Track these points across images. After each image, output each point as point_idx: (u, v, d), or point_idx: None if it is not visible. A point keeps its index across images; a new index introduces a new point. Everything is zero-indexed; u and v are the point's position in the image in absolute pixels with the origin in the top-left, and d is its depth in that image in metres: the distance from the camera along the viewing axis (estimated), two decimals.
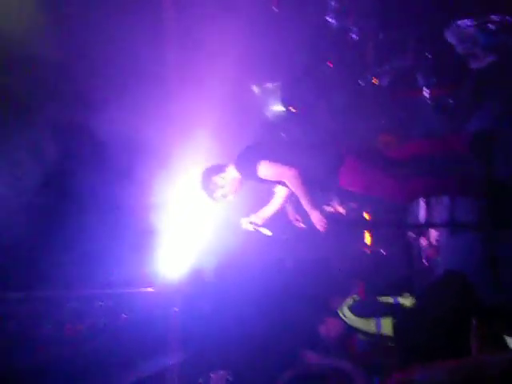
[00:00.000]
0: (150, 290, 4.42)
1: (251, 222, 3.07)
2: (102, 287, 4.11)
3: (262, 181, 2.92)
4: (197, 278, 4.53)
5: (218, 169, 3.05)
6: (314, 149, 3.02)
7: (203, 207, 4.33)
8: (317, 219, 2.86)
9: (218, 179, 3.02)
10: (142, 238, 4.19)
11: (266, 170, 2.84)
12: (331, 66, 4.24)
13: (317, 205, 2.94)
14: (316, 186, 2.99)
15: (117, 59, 3.78)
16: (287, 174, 2.80)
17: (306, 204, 2.86)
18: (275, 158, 2.86)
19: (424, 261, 4.32)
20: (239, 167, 2.96)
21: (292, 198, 3.24)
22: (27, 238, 3.35)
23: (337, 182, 2.90)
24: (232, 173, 3.00)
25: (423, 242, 4.23)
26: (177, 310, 4.20)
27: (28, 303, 3.39)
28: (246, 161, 2.93)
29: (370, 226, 5.10)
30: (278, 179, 2.88)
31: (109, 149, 4.07)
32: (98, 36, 3.57)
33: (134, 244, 4.13)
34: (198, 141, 4.23)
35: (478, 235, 2.64)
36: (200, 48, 4.34)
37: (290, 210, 3.54)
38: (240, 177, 2.99)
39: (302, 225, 3.22)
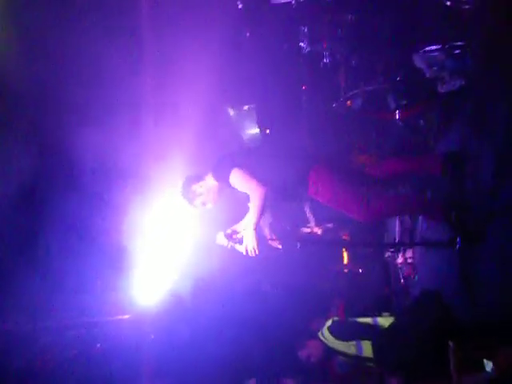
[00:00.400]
0: (125, 317, 4.34)
1: (226, 236, 3.05)
2: (74, 316, 4.02)
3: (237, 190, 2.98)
4: (174, 303, 4.48)
5: (197, 178, 3.16)
6: (286, 157, 3.11)
7: (178, 230, 4.31)
8: (248, 240, 2.87)
9: (197, 187, 3.13)
10: (115, 263, 4.14)
11: (236, 179, 2.91)
12: (304, 88, 4.35)
13: (259, 228, 2.99)
14: (286, 193, 3.05)
15: (92, 83, 3.79)
16: (254, 191, 2.85)
17: (250, 222, 2.88)
18: (248, 166, 2.94)
19: (401, 279, 4.39)
20: (215, 175, 3.05)
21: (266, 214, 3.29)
22: None
23: (306, 190, 2.96)
24: (210, 181, 3.10)
25: (399, 260, 4.31)
26: (153, 337, 4.13)
27: None
28: (221, 169, 3.01)
29: (347, 246, 5.17)
30: (245, 191, 2.93)
31: (83, 171, 4.04)
32: (73, 59, 3.58)
33: (107, 270, 4.07)
34: (173, 164, 4.24)
35: (451, 253, 2.71)
36: (174, 71, 4.38)
37: (265, 229, 3.64)
38: (218, 185, 3.09)
39: (278, 245, 3.25)
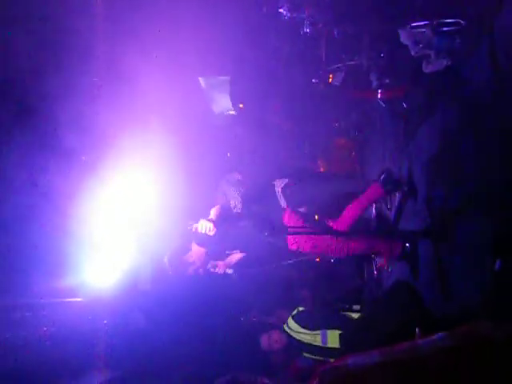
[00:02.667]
0: (76, 300, 4.25)
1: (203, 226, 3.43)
2: (20, 297, 3.91)
3: None
4: (130, 286, 4.41)
5: (184, 250, 3.76)
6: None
7: (137, 210, 4.23)
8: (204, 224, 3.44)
9: (188, 258, 3.74)
10: (67, 242, 4.03)
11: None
12: (283, 60, 4.28)
13: None
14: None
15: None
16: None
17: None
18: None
19: (375, 271, 4.43)
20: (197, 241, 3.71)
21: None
22: None
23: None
24: (195, 247, 3.72)
25: None
26: (106, 322, 4.05)
27: None
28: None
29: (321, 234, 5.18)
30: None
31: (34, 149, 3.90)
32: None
33: (58, 249, 3.96)
34: (136, 137, 4.13)
35: (425, 245, 2.74)
36: (143, 38, 4.25)
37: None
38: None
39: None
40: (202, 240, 3.65)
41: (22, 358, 3.60)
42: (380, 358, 0.90)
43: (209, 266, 3.87)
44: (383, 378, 0.87)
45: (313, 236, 3.52)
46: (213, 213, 3.61)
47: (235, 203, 4.30)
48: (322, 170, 5.42)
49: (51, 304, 4.09)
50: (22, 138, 3.76)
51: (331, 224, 3.65)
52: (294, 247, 3.55)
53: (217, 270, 3.89)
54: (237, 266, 3.95)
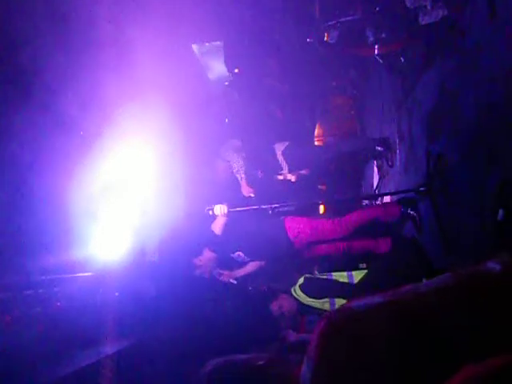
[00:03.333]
0: (87, 274, 4.31)
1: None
2: (32, 274, 3.98)
3: None
4: (139, 258, 4.46)
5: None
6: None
7: (143, 182, 4.24)
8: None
9: (196, 261, 4.04)
10: (75, 216, 4.06)
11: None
12: (276, 19, 4.18)
13: None
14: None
15: None
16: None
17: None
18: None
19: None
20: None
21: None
22: None
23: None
24: (208, 254, 4.02)
25: None
26: (117, 294, 4.13)
27: None
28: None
29: (325, 197, 5.20)
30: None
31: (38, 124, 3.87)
32: None
33: (67, 224, 4.00)
34: (133, 110, 4.09)
35: (427, 200, 2.75)
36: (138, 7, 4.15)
37: (243, 183, 4.41)
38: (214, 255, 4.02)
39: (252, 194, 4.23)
40: (216, 226, 3.96)
41: (36, 333, 3.68)
42: (383, 298, 0.95)
43: (215, 272, 4.12)
44: (385, 316, 0.92)
45: (311, 220, 3.73)
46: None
47: (237, 168, 4.35)
48: (321, 130, 5.39)
49: (63, 280, 4.15)
50: (21, 115, 3.73)
51: (335, 223, 3.75)
52: (294, 233, 3.73)
53: (221, 277, 4.12)
54: (240, 279, 4.19)
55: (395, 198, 4.04)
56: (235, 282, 4.14)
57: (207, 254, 4.06)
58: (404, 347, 0.86)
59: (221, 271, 4.13)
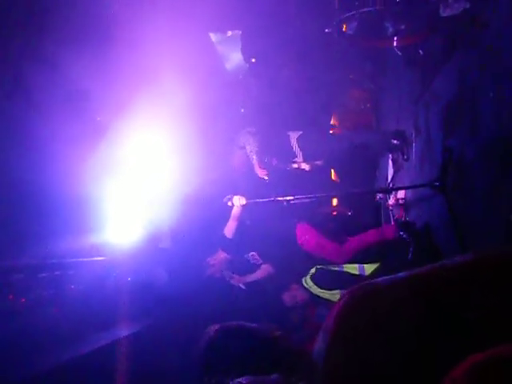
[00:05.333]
0: (100, 258, 4.37)
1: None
2: (47, 257, 4.04)
3: None
4: (152, 244, 4.51)
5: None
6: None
7: (155, 170, 4.27)
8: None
9: (210, 260, 4.21)
10: (90, 202, 4.11)
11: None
12: (294, 10, 4.14)
13: None
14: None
15: None
16: None
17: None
18: None
19: (392, 222, 4.44)
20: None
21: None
22: None
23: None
24: (221, 254, 4.21)
25: (391, 202, 4.34)
26: (130, 279, 4.18)
27: None
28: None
29: (339, 189, 5.18)
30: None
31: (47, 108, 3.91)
32: None
33: (81, 210, 4.05)
34: (151, 98, 4.11)
35: (441, 194, 2.73)
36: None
37: (256, 165, 4.49)
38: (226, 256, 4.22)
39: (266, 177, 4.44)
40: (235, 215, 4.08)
41: (50, 314, 3.75)
42: (407, 274, 0.97)
43: (226, 273, 4.25)
44: (404, 290, 0.93)
45: (319, 235, 4.01)
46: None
47: (251, 149, 4.41)
48: (336, 122, 5.36)
49: (78, 263, 4.22)
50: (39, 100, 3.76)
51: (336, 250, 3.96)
52: (301, 240, 4.00)
53: (232, 280, 4.24)
54: (248, 284, 4.28)
55: (409, 192, 4.02)
56: (244, 288, 4.22)
57: (220, 255, 4.19)
58: (420, 322, 0.87)
59: (232, 274, 4.25)
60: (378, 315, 0.90)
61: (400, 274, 0.97)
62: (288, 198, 3.58)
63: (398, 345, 0.86)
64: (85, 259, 4.26)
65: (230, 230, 4.13)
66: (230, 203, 3.95)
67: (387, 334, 0.87)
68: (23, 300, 3.68)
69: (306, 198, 3.82)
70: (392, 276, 0.97)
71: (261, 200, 3.82)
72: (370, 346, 0.87)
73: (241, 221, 4.13)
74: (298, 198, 3.63)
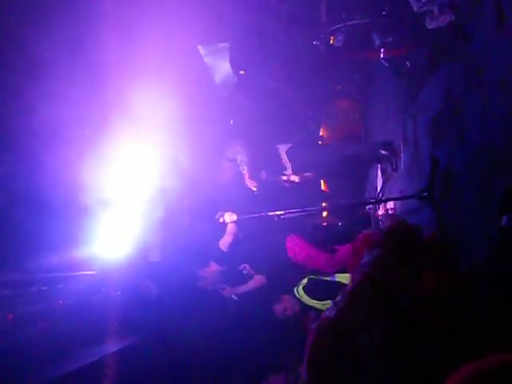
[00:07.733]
0: (89, 272, 4.32)
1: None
2: (34, 272, 3.98)
3: None
4: (141, 258, 4.47)
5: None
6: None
7: (145, 183, 4.25)
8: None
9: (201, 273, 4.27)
10: (79, 216, 4.07)
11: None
12: (282, 22, 4.18)
13: None
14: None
15: None
16: None
17: None
18: None
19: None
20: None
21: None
22: None
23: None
24: (214, 267, 4.28)
25: (381, 212, 4.36)
26: (119, 293, 4.13)
27: None
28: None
29: (328, 200, 5.20)
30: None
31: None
32: None
33: (69, 223, 4.01)
34: (137, 110, 4.10)
35: (429, 205, 2.75)
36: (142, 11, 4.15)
37: (246, 176, 4.52)
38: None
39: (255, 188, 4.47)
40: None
41: (38, 329, 3.69)
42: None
43: (218, 286, 4.28)
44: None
45: (310, 247, 4.09)
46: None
47: (241, 160, 4.43)
48: (325, 134, 5.39)
49: (66, 277, 4.16)
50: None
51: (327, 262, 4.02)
52: (291, 254, 4.09)
53: (223, 292, 4.26)
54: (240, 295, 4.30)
55: (398, 201, 4.04)
56: (236, 299, 4.23)
57: (213, 267, 4.22)
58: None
59: (223, 286, 4.27)
60: (339, 342, 1.12)
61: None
62: (279, 212, 3.60)
63: (362, 358, 1.04)
64: (73, 273, 4.22)
65: (225, 243, 4.20)
66: (221, 219, 4.04)
67: (351, 354, 1.06)
68: (10, 316, 3.62)
69: (297, 212, 3.83)
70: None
71: (252, 216, 3.87)
72: (341, 368, 1.06)
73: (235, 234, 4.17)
74: (288, 213, 3.65)
